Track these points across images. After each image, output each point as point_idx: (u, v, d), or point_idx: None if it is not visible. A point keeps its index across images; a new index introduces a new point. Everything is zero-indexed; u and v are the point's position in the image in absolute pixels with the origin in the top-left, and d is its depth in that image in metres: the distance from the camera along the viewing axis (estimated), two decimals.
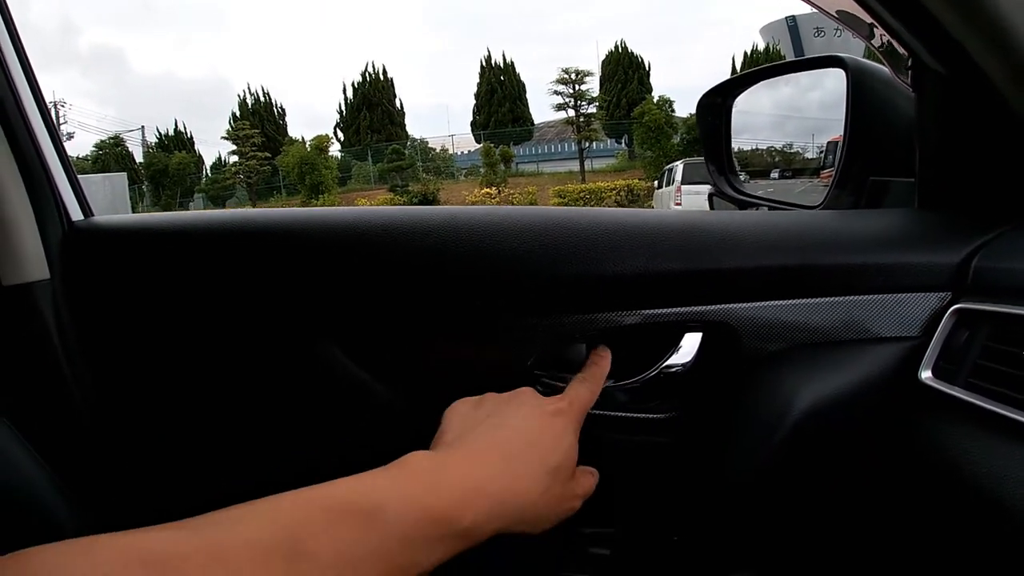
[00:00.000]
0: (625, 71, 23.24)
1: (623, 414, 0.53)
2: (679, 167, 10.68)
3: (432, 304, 0.53)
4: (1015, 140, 0.51)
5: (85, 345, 0.57)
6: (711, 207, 1.17)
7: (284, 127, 25.94)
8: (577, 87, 20.66)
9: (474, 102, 24.79)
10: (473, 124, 24.80)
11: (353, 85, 24.92)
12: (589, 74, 21.15)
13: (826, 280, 0.50)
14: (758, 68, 0.89)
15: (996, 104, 0.49)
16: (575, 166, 21.01)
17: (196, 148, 25.98)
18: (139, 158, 25.19)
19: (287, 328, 0.55)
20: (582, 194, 16.79)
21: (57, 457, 0.54)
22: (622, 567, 0.57)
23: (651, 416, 0.53)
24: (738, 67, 22.13)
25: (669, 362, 0.52)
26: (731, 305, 0.50)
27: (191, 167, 23.99)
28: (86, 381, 0.56)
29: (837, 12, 0.59)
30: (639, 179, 17.60)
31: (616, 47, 23.70)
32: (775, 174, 1.12)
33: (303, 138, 23.12)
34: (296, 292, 0.55)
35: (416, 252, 0.53)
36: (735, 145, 0.98)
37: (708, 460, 0.53)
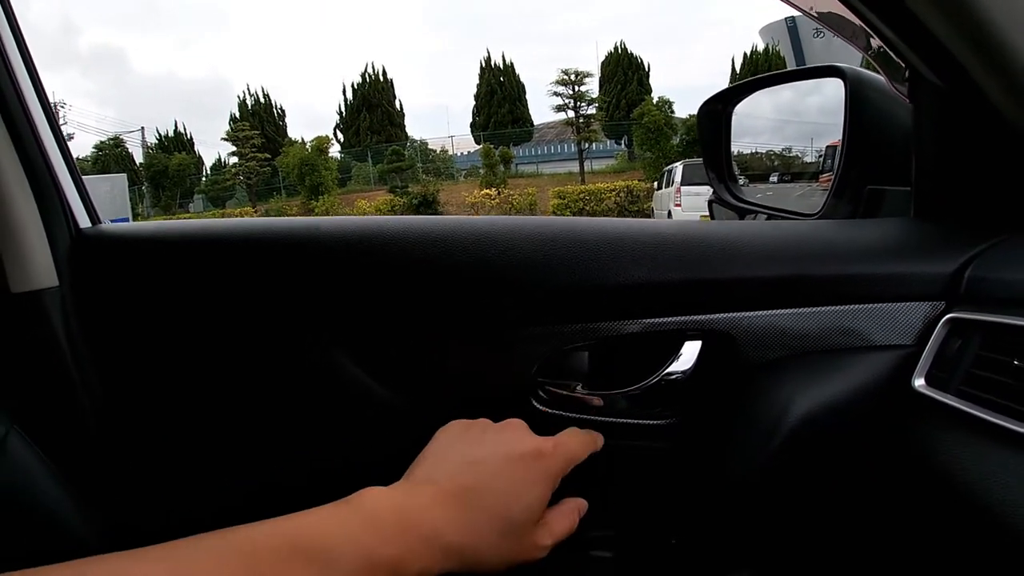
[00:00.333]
0: (625, 72, 23.23)
1: (625, 420, 0.54)
2: (678, 168, 10.68)
3: (438, 312, 0.54)
4: (1010, 152, 0.52)
5: (94, 352, 0.57)
6: (711, 214, 1.18)
7: (284, 128, 25.91)
8: (577, 88, 20.66)
9: (474, 103, 24.80)
10: (473, 125, 24.79)
11: (353, 86, 24.90)
12: (589, 75, 21.17)
13: (823, 289, 0.51)
14: (757, 77, 0.90)
15: (991, 116, 0.50)
16: (575, 167, 21.01)
17: (196, 149, 25.94)
18: (139, 159, 25.18)
19: (295, 335, 0.56)
20: (582, 195, 16.77)
21: (67, 463, 0.54)
22: (623, 568, 0.58)
23: (652, 422, 0.54)
24: (738, 68, 22.12)
25: (670, 369, 0.53)
26: (730, 314, 0.51)
27: (191, 168, 23.96)
28: (95, 388, 0.57)
29: (836, 20, 0.59)
30: (639, 180, 17.59)
31: (616, 48, 23.71)
32: (774, 178, 1.13)
33: (303, 139, 23.10)
34: (304, 299, 0.56)
35: (423, 260, 0.54)
36: (735, 149, 0.99)
37: (707, 464, 0.54)
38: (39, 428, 0.54)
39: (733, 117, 0.95)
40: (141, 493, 0.58)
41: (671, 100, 19.03)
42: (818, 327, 0.51)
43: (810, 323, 0.51)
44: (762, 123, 1.06)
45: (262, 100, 25.54)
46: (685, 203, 9.97)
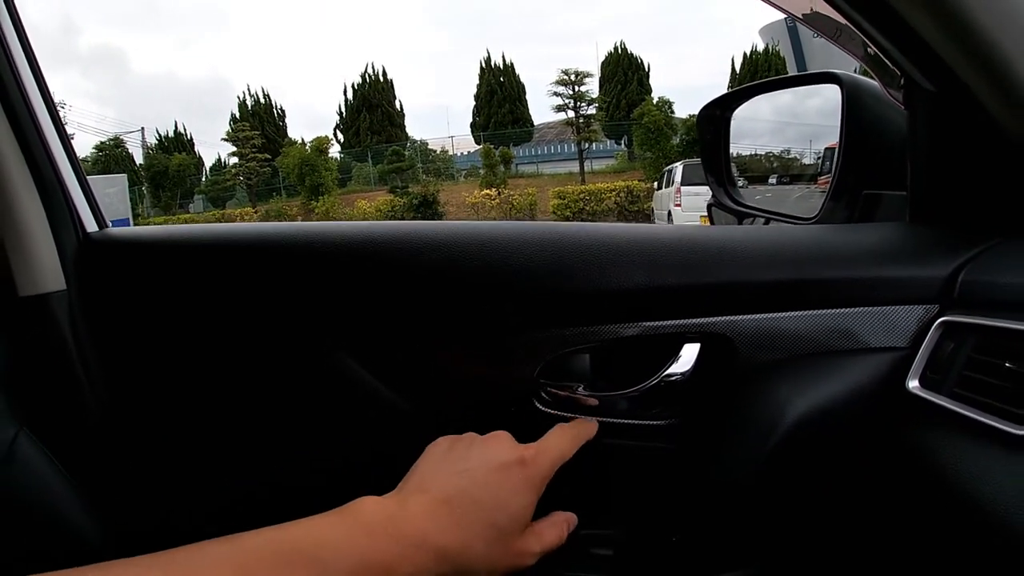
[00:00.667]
0: (624, 72, 23.21)
1: (625, 421, 0.55)
2: (678, 168, 10.67)
3: (442, 316, 0.55)
4: (1003, 157, 0.53)
5: (101, 355, 0.58)
6: (711, 217, 1.19)
7: (284, 128, 25.87)
8: (577, 88, 20.65)
9: (474, 103, 24.79)
10: (473, 125, 24.76)
11: (353, 86, 24.87)
12: (589, 75, 21.13)
13: (819, 293, 0.52)
14: (756, 83, 0.91)
15: (985, 122, 0.51)
16: (575, 167, 20.99)
17: (196, 149, 25.91)
18: (139, 159, 25.16)
19: (301, 338, 0.57)
20: (582, 195, 16.75)
21: (75, 465, 0.55)
22: (623, 567, 0.59)
23: (652, 423, 0.55)
24: (737, 68, 22.11)
25: (669, 371, 0.54)
26: (728, 317, 0.52)
27: (191, 168, 23.93)
28: (102, 390, 0.58)
29: (832, 27, 0.60)
30: (639, 180, 17.57)
31: (616, 48, 23.69)
32: (773, 180, 1.14)
33: (303, 139, 23.07)
34: (309, 303, 0.56)
35: (427, 265, 0.55)
36: (734, 151, 1.00)
37: (705, 465, 0.55)
38: (48, 430, 0.55)
39: (732, 120, 0.96)
40: (149, 495, 0.59)
41: (671, 100, 19.01)
42: (814, 330, 0.51)
43: (807, 326, 0.52)
44: (762, 125, 1.07)
45: (262, 100, 25.51)
46: (685, 203, 9.96)
